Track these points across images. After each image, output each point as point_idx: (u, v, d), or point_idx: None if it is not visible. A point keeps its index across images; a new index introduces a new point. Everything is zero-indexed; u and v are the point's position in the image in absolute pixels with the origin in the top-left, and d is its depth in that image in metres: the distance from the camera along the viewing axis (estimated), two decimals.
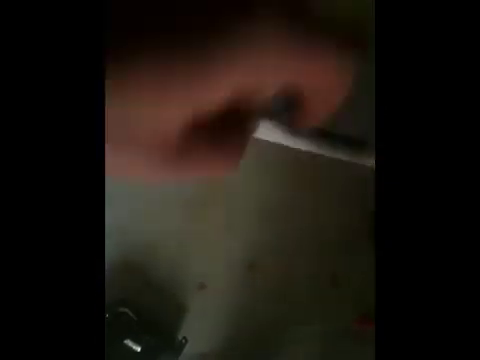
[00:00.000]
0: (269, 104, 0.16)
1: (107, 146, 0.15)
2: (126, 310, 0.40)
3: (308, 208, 0.45)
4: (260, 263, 0.44)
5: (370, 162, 0.27)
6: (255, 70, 0.13)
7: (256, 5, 0.13)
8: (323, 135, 0.24)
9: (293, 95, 0.16)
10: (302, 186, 0.46)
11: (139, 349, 0.38)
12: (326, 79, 0.15)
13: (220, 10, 0.13)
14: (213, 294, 0.43)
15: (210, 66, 0.13)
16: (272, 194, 0.45)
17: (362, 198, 0.45)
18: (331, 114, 0.17)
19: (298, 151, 0.25)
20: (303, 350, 0.45)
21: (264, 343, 0.44)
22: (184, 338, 0.41)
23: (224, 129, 0.15)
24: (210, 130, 0.15)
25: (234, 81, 0.13)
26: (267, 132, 0.24)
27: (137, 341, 0.39)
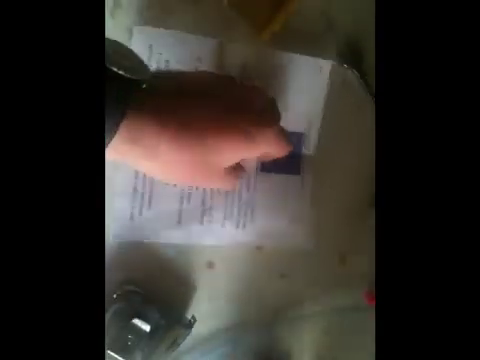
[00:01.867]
0: None
1: None
2: (134, 289, 0.39)
3: (314, 187, 0.45)
4: None
5: None
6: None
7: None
8: None
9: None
10: None
11: (148, 329, 0.38)
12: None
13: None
14: (222, 272, 0.42)
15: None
16: None
17: (366, 178, 0.45)
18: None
19: None
20: (313, 326, 0.45)
21: (273, 321, 0.44)
22: (193, 317, 0.40)
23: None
24: None
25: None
26: None
27: (146, 320, 0.38)
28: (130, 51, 0.27)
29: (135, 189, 0.40)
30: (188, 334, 0.40)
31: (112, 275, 0.38)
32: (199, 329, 0.41)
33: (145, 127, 0.26)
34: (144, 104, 0.26)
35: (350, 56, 0.44)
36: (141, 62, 0.28)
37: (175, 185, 0.40)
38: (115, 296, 0.38)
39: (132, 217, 0.40)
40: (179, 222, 0.41)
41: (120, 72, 0.24)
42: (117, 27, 0.38)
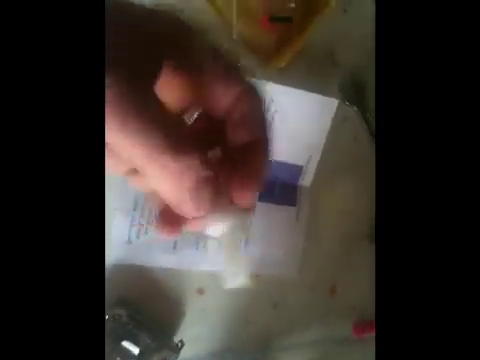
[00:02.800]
0: None
1: None
2: (124, 312, 0.39)
3: (310, 219, 0.45)
4: None
5: None
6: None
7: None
8: None
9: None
10: None
11: (137, 351, 0.38)
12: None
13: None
14: (211, 299, 0.43)
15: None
16: None
17: (360, 211, 0.46)
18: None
19: None
20: (302, 356, 0.45)
21: (261, 349, 0.44)
22: (181, 341, 0.41)
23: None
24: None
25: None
26: None
27: (135, 343, 0.39)
28: None
29: (133, 213, 0.40)
30: (176, 358, 0.41)
31: None
32: (186, 353, 0.42)
33: None
34: None
35: (352, 93, 0.44)
36: None
37: None
38: (106, 317, 0.39)
39: (129, 240, 0.40)
40: (175, 247, 0.42)
41: None
42: None
